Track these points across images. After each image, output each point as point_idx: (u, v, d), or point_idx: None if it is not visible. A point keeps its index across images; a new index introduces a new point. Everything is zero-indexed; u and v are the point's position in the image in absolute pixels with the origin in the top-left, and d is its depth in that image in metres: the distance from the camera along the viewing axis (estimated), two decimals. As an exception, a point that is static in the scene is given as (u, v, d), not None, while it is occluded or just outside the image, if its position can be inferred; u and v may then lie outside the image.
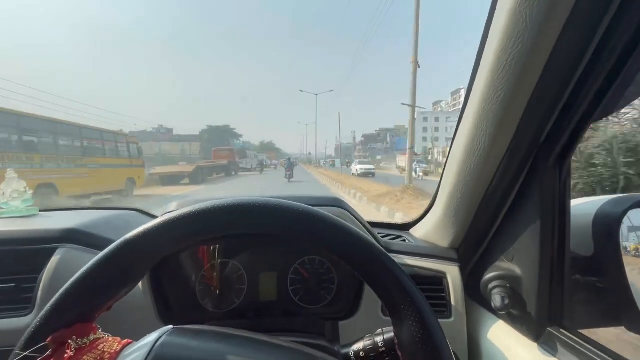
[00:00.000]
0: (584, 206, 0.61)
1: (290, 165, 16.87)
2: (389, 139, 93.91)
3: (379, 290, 0.35)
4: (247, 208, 0.35)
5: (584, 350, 0.50)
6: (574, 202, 0.59)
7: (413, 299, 0.33)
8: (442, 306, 0.70)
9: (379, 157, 72.96)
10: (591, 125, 0.51)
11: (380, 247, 0.36)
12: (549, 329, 0.56)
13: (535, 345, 0.56)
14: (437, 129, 73.87)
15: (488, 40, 0.48)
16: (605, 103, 0.46)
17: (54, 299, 0.31)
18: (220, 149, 28.78)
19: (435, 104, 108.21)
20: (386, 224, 0.94)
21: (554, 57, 0.43)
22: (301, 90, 47.61)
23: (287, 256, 0.75)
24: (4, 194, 0.84)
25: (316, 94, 40.33)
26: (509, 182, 0.59)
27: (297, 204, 0.36)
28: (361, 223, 0.74)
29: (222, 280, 0.73)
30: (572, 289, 0.57)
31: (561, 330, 0.55)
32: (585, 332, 0.55)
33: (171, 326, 0.34)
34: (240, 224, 0.35)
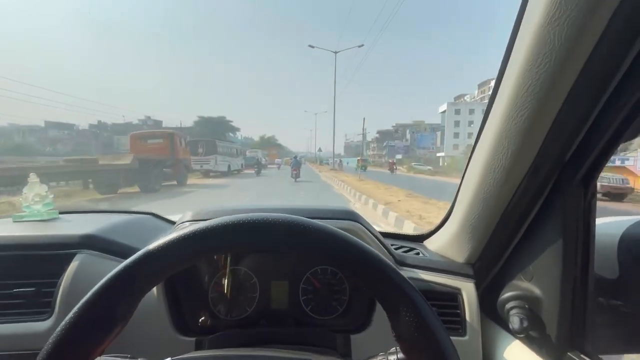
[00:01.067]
0: (609, 226, 0.59)
1: (296, 164, 15.60)
2: (408, 135, 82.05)
3: (372, 288, 0.35)
4: (259, 225, 0.34)
5: None
6: (599, 222, 0.56)
7: (406, 291, 0.33)
8: (457, 323, 0.69)
9: (399, 157, 62.96)
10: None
11: (374, 251, 0.35)
12: (569, 353, 0.54)
13: None
14: (471, 123, 59.05)
15: (512, 55, 0.46)
16: (637, 122, 0.44)
17: (47, 348, 0.30)
18: (144, 134, 14.55)
19: (457, 97, 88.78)
20: (399, 234, 0.93)
21: (582, 76, 0.42)
22: (311, 46, 35.41)
23: (299, 265, 0.75)
24: (26, 197, 0.86)
25: (335, 51, 30.49)
26: (530, 200, 0.57)
27: (320, 224, 0.35)
28: (374, 235, 0.73)
29: (234, 287, 0.73)
30: (595, 312, 0.55)
31: (582, 355, 0.53)
32: (607, 358, 0.53)
33: (169, 358, 0.34)
34: (255, 241, 0.34)
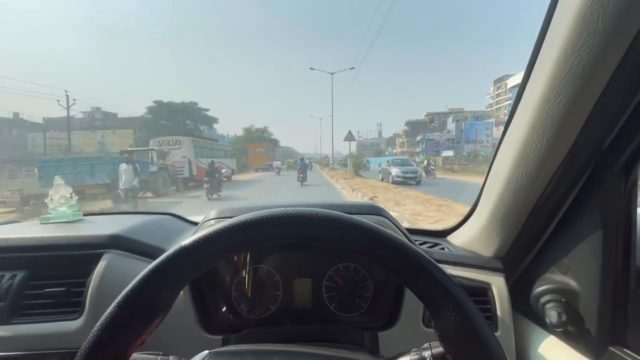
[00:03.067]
0: None
1: (303, 167, 14.56)
2: (450, 125, 56.13)
3: (414, 286, 0.33)
4: (289, 219, 0.34)
5: None
6: None
7: (451, 291, 0.31)
8: (488, 319, 0.67)
9: (449, 153, 43.89)
10: None
11: (429, 257, 0.34)
12: (610, 348, 0.52)
13: None
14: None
15: (547, 39, 0.45)
16: None
17: (87, 341, 0.30)
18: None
19: (497, 80, 74.39)
20: (423, 230, 0.92)
21: (626, 60, 0.40)
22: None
23: (321, 262, 0.74)
24: (52, 199, 0.88)
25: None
26: (565, 190, 0.55)
27: (345, 215, 0.34)
28: (400, 230, 0.72)
29: (257, 286, 0.73)
30: (638, 305, 0.53)
31: (625, 350, 0.51)
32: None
33: (207, 351, 0.34)
34: (284, 234, 0.34)
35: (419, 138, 58.97)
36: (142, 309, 0.32)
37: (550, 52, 0.44)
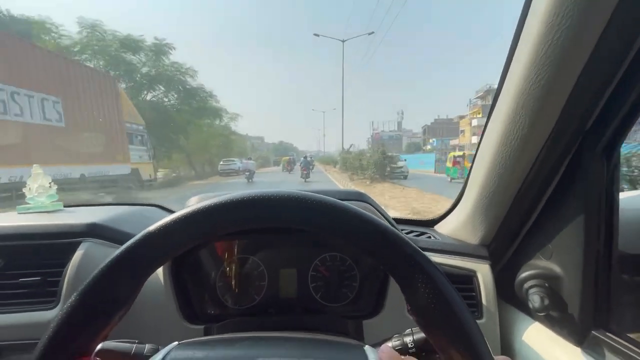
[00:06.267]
0: (634, 200, 0.56)
1: (306, 165, 15.86)
2: None
3: (387, 264, 0.32)
4: (269, 201, 0.32)
5: (634, 355, 0.46)
6: (623, 195, 0.54)
7: (423, 265, 0.30)
8: (473, 306, 0.66)
9: None
10: None
11: (414, 245, 0.33)
12: (593, 332, 0.52)
13: (578, 350, 0.52)
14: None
15: (530, 14, 0.44)
16: None
17: (47, 334, 0.29)
18: None
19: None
20: (409, 220, 0.91)
21: (606, 34, 0.39)
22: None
23: (307, 253, 0.73)
24: (30, 189, 0.85)
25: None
26: (548, 174, 0.55)
27: (329, 198, 0.33)
28: (384, 216, 0.71)
29: (242, 276, 0.72)
30: (620, 289, 0.53)
31: (607, 333, 0.51)
32: (635, 335, 0.50)
33: (176, 342, 0.33)
34: (263, 217, 0.32)
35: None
36: (103, 301, 0.30)
37: (530, 26, 0.43)
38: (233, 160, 21.65)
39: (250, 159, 18.69)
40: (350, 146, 25.20)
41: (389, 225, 0.31)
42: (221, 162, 21.43)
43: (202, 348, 0.31)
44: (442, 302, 0.29)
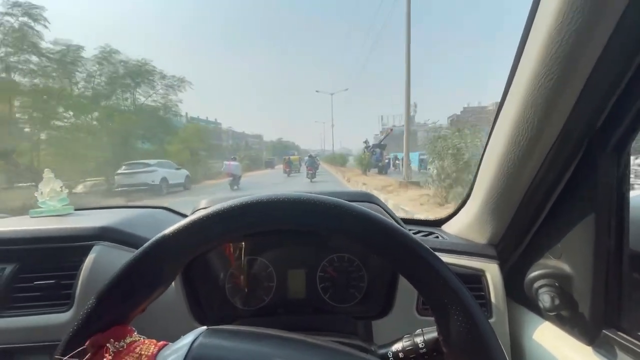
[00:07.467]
0: None
1: (312, 164, 15.81)
2: None
3: (420, 287, 0.33)
4: (284, 204, 0.33)
5: None
6: (633, 194, 0.54)
7: (459, 295, 0.31)
8: (482, 305, 0.66)
9: None
10: None
11: (425, 245, 0.33)
12: (604, 331, 0.52)
13: (589, 349, 0.52)
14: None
15: (538, 15, 0.44)
16: None
17: (90, 302, 0.31)
18: None
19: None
20: (417, 220, 0.91)
21: (616, 34, 0.39)
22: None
23: (315, 253, 0.74)
24: (42, 193, 0.87)
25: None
26: (557, 174, 0.55)
27: (338, 200, 0.34)
28: (393, 218, 0.71)
29: (250, 277, 0.72)
30: (631, 288, 0.53)
31: (619, 332, 0.51)
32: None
33: (205, 327, 0.34)
34: (278, 220, 0.33)
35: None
36: (147, 275, 0.33)
37: (540, 26, 0.43)
38: (147, 164, 12.43)
39: (234, 159, 13.43)
40: (366, 141, 21.13)
41: (429, 248, 0.33)
42: (122, 167, 12.58)
43: (231, 338, 0.32)
44: (476, 337, 0.30)
